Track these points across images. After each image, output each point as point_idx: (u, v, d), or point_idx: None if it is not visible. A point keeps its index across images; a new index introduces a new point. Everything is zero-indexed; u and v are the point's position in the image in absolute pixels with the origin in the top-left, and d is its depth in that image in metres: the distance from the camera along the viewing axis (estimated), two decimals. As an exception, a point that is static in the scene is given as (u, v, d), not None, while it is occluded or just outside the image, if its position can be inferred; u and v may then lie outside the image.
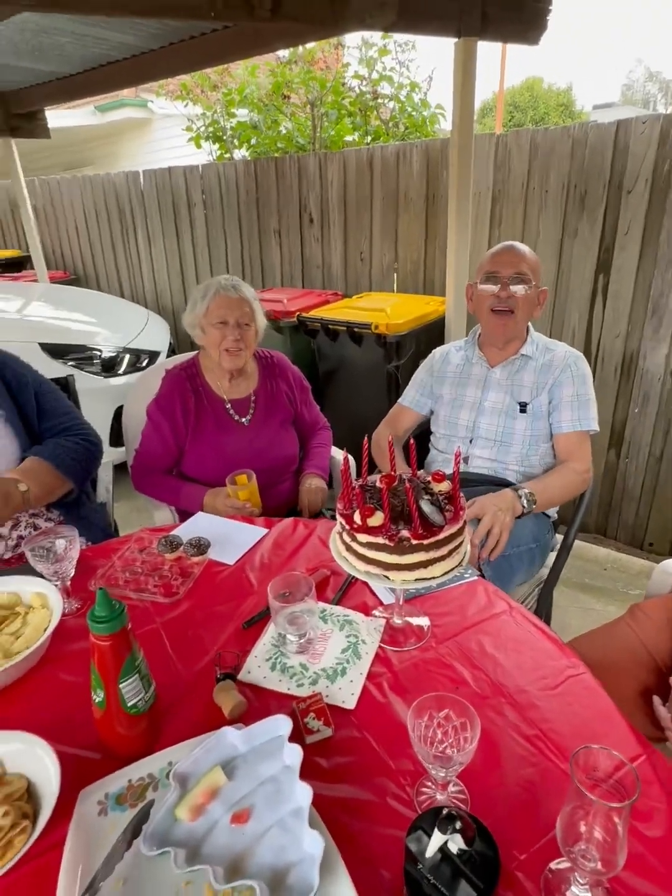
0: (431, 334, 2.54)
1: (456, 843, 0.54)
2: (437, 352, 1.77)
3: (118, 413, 2.56)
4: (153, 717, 0.75)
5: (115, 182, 4.49)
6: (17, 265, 5.26)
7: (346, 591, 1.04)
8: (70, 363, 2.82)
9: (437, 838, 0.54)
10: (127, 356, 3.08)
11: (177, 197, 4.06)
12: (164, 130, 8.24)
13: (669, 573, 1.29)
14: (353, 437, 2.00)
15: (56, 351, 2.83)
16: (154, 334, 3.43)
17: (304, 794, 0.64)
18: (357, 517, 0.79)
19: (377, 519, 0.77)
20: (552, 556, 1.60)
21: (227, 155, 4.21)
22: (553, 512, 1.62)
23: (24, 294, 3.82)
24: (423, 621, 0.95)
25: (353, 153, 3.13)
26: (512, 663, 0.86)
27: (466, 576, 1.08)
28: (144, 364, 3.13)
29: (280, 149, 4.02)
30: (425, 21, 2.01)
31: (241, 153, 4.11)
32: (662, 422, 2.47)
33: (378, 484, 0.85)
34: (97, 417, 2.43)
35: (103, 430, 2.77)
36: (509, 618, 0.97)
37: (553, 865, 0.60)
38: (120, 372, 3.01)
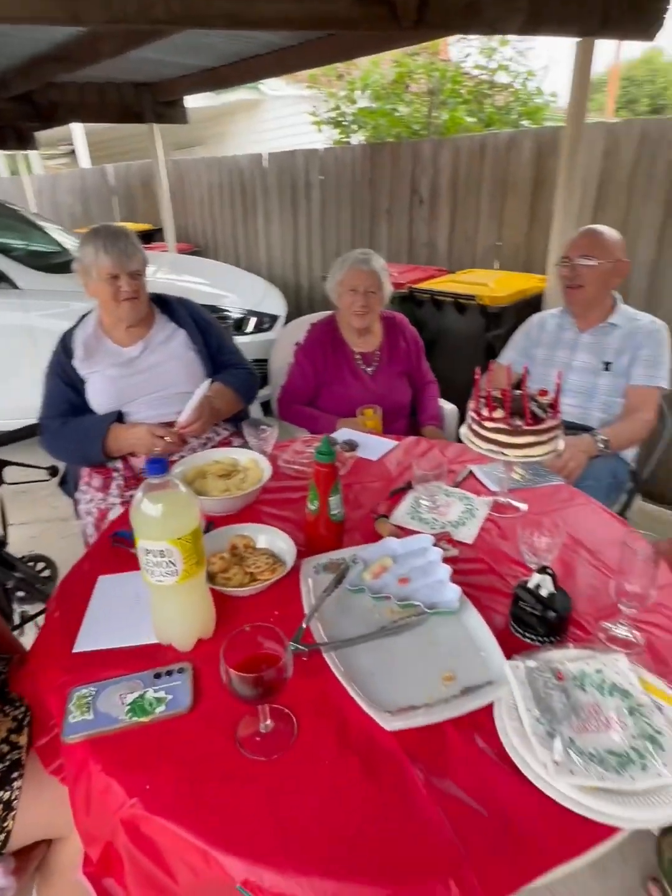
0: (530, 308, 2.80)
1: (546, 587, 0.90)
2: (535, 317, 2.08)
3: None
4: (340, 529, 1.16)
5: (239, 163, 4.97)
6: (147, 237, 5.91)
7: (463, 481, 1.41)
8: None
9: (534, 579, 0.90)
10: (252, 318, 3.55)
11: (296, 177, 4.48)
12: (274, 111, 8.69)
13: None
14: (452, 395, 2.35)
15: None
16: (273, 301, 3.89)
17: (444, 570, 1.02)
18: (486, 411, 1.15)
19: (500, 412, 1.14)
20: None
21: (346, 139, 4.56)
22: (630, 458, 1.90)
23: (156, 261, 4.39)
24: (521, 504, 1.30)
25: (467, 139, 3.40)
26: (587, 529, 1.20)
27: (554, 480, 1.41)
28: (267, 326, 3.59)
29: (396, 134, 4.32)
30: (549, 24, 2.26)
31: (358, 138, 4.45)
32: None
33: (497, 394, 1.21)
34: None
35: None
36: (586, 507, 1.30)
37: (604, 623, 0.95)
38: (247, 331, 3.48)
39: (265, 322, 3.61)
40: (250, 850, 0.65)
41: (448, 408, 2.31)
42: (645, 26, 2.31)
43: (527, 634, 0.92)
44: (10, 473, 1.73)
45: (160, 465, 0.82)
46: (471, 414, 1.20)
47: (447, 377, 3.03)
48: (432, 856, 0.63)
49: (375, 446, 1.60)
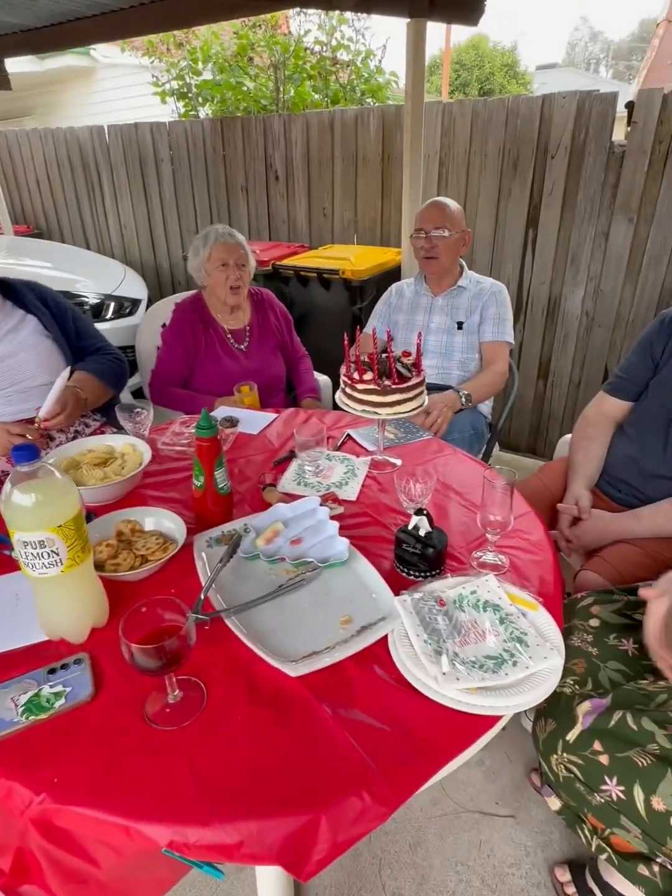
0: (390, 279, 2.94)
1: (423, 527, 1.00)
2: (394, 287, 2.21)
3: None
4: (229, 501, 1.17)
5: (78, 136, 4.58)
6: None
7: (343, 444, 1.48)
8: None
9: (412, 521, 0.99)
10: (111, 303, 3.35)
11: (144, 152, 4.24)
12: (110, 80, 8.09)
13: (566, 444, 1.79)
14: (324, 367, 2.42)
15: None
16: (132, 284, 3.69)
17: (332, 526, 1.08)
18: (356, 375, 1.22)
19: (369, 375, 1.21)
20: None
21: (193, 112, 4.39)
22: (487, 411, 2.10)
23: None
24: (396, 460, 1.40)
25: (316, 115, 3.43)
26: (455, 474, 1.32)
27: (424, 435, 1.53)
28: (128, 311, 3.40)
29: (244, 108, 4.25)
30: (381, 3, 2.35)
31: (204, 111, 4.31)
32: (579, 356, 2.99)
33: (365, 359, 1.28)
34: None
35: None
36: (454, 456, 1.43)
37: (475, 552, 1.07)
38: (107, 317, 3.28)
39: (126, 306, 3.43)
40: (172, 813, 0.67)
41: (323, 380, 2.38)
42: (469, 12, 2.48)
43: (411, 572, 1.01)
44: None
45: (29, 451, 0.78)
46: (343, 379, 1.26)
47: (319, 350, 3.10)
48: (346, 775, 0.69)
49: (255, 420, 1.62)
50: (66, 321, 1.78)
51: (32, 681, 0.82)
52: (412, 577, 1.00)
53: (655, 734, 0.88)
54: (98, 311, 3.26)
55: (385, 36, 4.06)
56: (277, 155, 3.64)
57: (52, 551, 0.80)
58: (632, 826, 0.88)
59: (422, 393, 1.26)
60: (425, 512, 1.00)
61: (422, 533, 0.99)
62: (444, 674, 0.77)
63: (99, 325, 3.20)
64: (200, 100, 4.16)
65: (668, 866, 0.88)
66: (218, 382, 2.02)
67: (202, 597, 0.93)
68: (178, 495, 1.26)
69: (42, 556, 0.80)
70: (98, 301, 3.29)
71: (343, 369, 1.26)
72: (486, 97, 2.89)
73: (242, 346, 2.11)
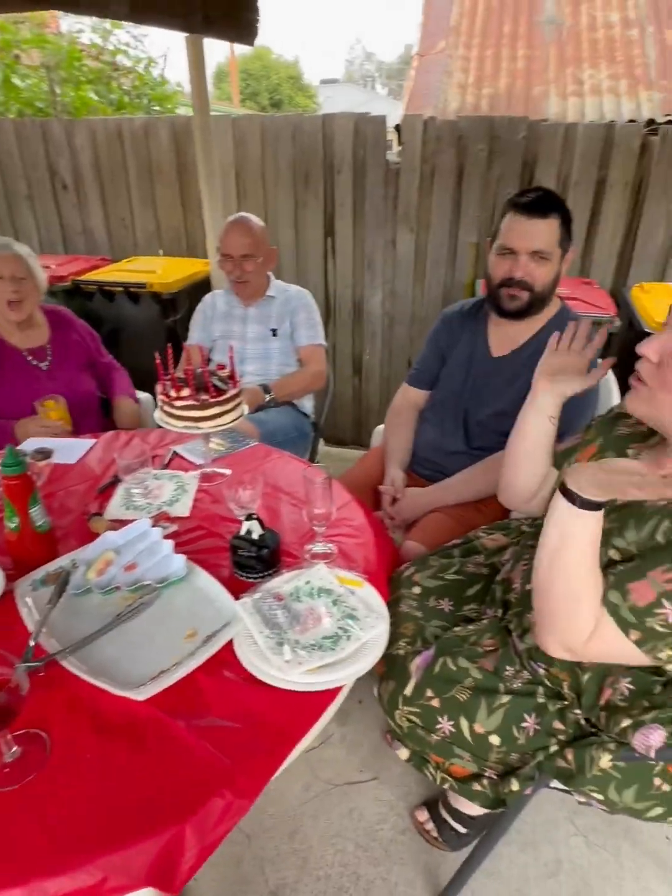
0: (202, 290, 2.95)
1: (255, 530, 1.05)
2: (207, 298, 2.24)
3: None
4: (51, 539, 1.11)
5: None
6: None
7: (169, 462, 1.48)
8: None
9: (244, 526, 1.04)
10: None
11: None
12: None
13: (380, 433, 1.98)
14: (144, 385, 2.35)
15: None
16: None
17: (167, 545, 1.09)
18: (173, 392, 1.23)
19: (186, 391, 1.23)
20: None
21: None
22: (308, 410, 2.23)
23: None
24: (225, 470, 1.44)
25: (101, 123, 3.28)
26: (282, 476, 1.40)
27: (250, 443, 1.59)
28: None
29: (17, 110, 3.89)
30: (156, 15, 2.34)
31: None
32: (386, 352, 3.29)
33: (182, 375, 1.29)
34: None
35: None
36: (280, 459, 1.51)
37: (306, 546, 1.16)
38: None
39: None
40: (24, 873, 0.64)
41: (143, 396, 2.31)
42: (244, 32, 2.58)
43: (249, 575, 1.06)
44: None
45: None
46: (160, 397, 1.26)
47: (134, 367, 2.99)
48: (204, 779, 0.72)
49: (71, 448, 1.53)
50: None
51: None
52: (251, 580, 1.06)
53: (469, 670, 1.05)
54: None
55: (164, 44, 4.01)
56: (62, 162, 3.40)
57: None
58: (463, 752, 1.04)
59: (240, 404, 1.31)
60: (255, 516, 1.06)
61: (255, 536, 1.05)
62: (287, 662, 0.84)
63: None
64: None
65: (493, 777, 1.05)
66: (21, 406, 1.86)
67: (31, 643, 0.88)
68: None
69: None
70: None
71: (158, 387, 1.26)
72: (273, 113, 3.03)
73: (44, 365, 1.96)
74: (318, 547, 1.14)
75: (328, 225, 3.08)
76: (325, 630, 0.92)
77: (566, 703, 1.01)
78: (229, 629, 0.92)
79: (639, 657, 0.86)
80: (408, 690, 1.08)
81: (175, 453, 1.51)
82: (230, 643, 0.91)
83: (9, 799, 0.71)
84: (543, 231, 1.38)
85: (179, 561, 1.05)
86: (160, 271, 2.94)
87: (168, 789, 0.72)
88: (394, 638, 1.16)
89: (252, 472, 1.31)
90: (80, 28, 3.91)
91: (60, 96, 3.68)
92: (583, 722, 1.00)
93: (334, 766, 1.56)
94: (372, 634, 0.90)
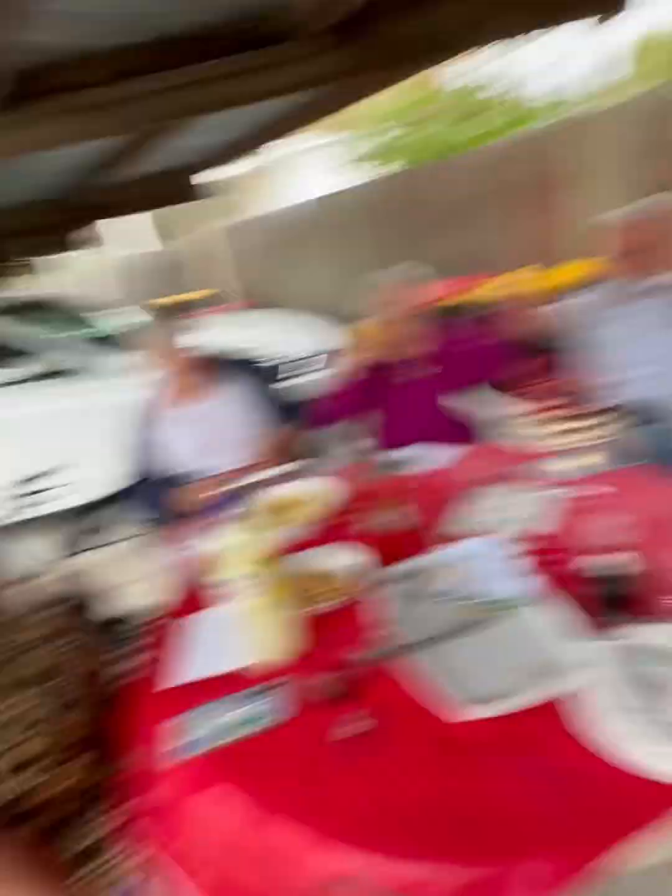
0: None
1: (622, 567, 0.90)
2: (581, 300, 2.05)
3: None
4: (415, 539, 1.20)
5: (282, 218, 5.28)
6: (213, 300, 6.37)
7: (541, 475, 1.42)
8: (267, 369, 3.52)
9: (609, 559, 0.90)
10: (313, 358, 3.73)
11: (344, 216, 4.67)
12: (312, 156, 9.16)
13: None
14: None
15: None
16: (329, 338, 4.03)
17: (518, 565, 1.04)
18: (541, 405, 1.17)
19: (555, 405, 1.15)
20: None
21: (383, 167, 4.73)
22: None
23: (218, 323, 4.71)
24: (603, 488, 1.29)
25: (500, 146, 3.43)
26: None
27: (639, 462, 1.38)
28: (321, 364, 3.75)
29: (435, 152, 4.42)
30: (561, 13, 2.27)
31: (396, 165, 4.60)
32: None
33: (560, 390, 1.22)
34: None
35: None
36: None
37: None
38: (312, 370, 3.66)
39: (318, 358, 3.79)
40: (363, 839, 0.69)
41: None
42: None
43: (606, 615, 0.91)
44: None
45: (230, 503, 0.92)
46: (530, 409, 1.22)
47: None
48: (530, 830, 0.65)
49: (423, 459, 1.64)
50: (267, 389, 2.06)
51: (237, 700, 0.93)
52: (608, 620, 0.91)
53: None
54: (303, 367, 3.64)
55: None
56: (463, 192, 3.70)
57: (250, 585, 0.92)
58: None
59: (608, 424, 1.15)
60: (627, 551, 0.90)
61: (621, 572, 0.90)
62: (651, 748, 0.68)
63: (308, 378, 3.61)
64: (391, 156, 4.45)
65: None
66: (396, 412, 2.07)
67: (384, 633, 0.97)
68: (369, 531, 1.32)
69: (244, 589, 0.93)
70: (304, 356, 3.69)
71: (526, 403, 1.22)
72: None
73: (433, 370, 2.13)
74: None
75: None
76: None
77: None
78: (578, 674, 0.81)
79: None
80: None
81: (547, 466, 1.43)
82: (577, 689, 0.80)
83: (351, 765, 0.79)
84: None
85: (527, 584, 0.99)
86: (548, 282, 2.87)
87: (489, 820, 0.68)
88: None
89: (633, 497, 1.13)
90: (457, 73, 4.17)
91: (459, 136, 4.01)
92: None
93: None
94: None
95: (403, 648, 0.94)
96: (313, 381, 3.49)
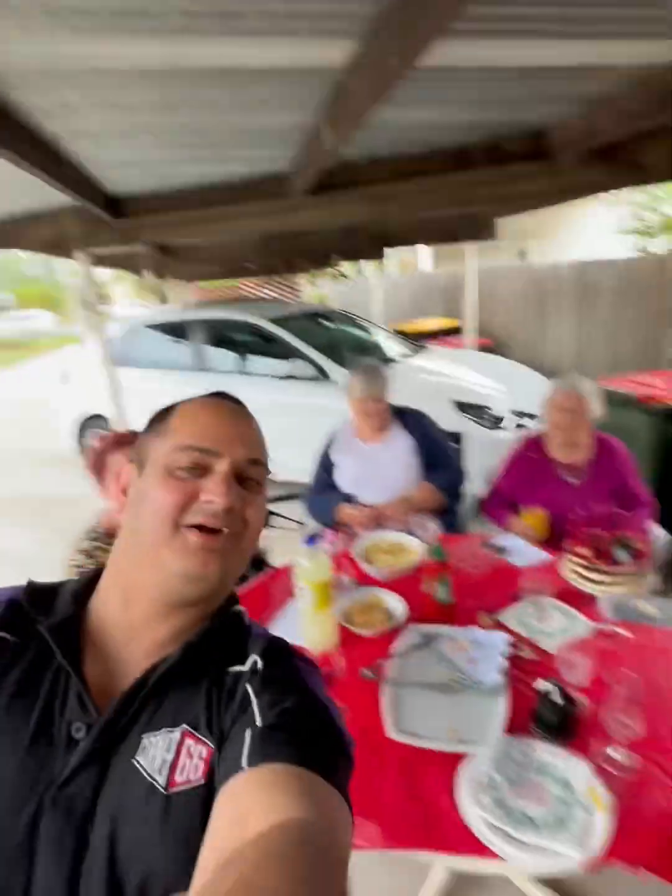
0: None
1: (558, 698, 1.15)
2: None
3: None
4: (448, 610, 1.55)
5: (541, 272, 5.44)
6: (455, 331, 6.83)
7: (583, 605, 1.60)
8: (469, 417, 3.85)
9: (544, 684, 1.16)
10: (513, 416, 3.93)
11: (591, 285, 4.70)
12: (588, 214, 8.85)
13: None
14: None
15: (462, 407, 3.91)
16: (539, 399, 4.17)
17: (501, 663, 1.33)
18: (576, 546, 1.40)
19: (586, 551, 1.37)
20: None
21: (647, 244, 4.59)
22: None
23: (454, 358, 5.14)
24: (625, 632, 1.45)
25: None
26: (664, 673, 1.30)
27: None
28: (526, 423, 3.91)
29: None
30: None
31: (661, 243, 4.44)
32: None
33: (601, 534, 1.42)
34: (478, 462, 3.38)
35: (481, 471, 3.68)
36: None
37: (610, 748, 1.12)
38: (504, 427, 3.88)
39: (524, 419, 3.95)
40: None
41: (661, 534, 2.30)
42: None
43: (537, 729, 1.17)
44: (276, 521, 2.60)
45: (311, 540, 1.42)
46: (568, 545, 1.45)
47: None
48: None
49: (526, 555, 1.87)
50: (430, 444, 2.45)
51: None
52: (535, 733, 1.16)
53: None
54: (497, 422, 3.89)
55: None
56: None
57: (307, 594, 1.42)
58: None
59: (636, 579, 1.31)
60: (556, 684, 1.15)
61: (550, 698, 1.15)
62: (476, 802, 0.99)
63: (495, 434, 3.86)
64: (655, 234, 4.32)
65: None
66: (544, 505, 2.29)
67: (381, 663, 1.37)
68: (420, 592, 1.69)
69: (304, 597, 1.43)
70: (501, 415, 3.92)
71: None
72: None
73: (575, 480, 2.32)
74: (616, 753, 1.09)
75: None
76: (532, 811, 0.98)
77: None
78: (476, 749, 1.12)
79: None
80: None
81: (595, 597, 1.61)
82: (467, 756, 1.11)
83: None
84: None
85: (497, 680, 1.28)
86: None
87: (372, 805, 1.07)
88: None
89: (641, 652, 1.30)
90: None
91: None
92: None
93: None
94: (557, 848, 0.90)
95: (393, 680, 1.33)
96: (515, 438, 3.69)
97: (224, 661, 0.64)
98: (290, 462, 2.88)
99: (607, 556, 1.33)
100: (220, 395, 0.71)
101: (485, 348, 6.02)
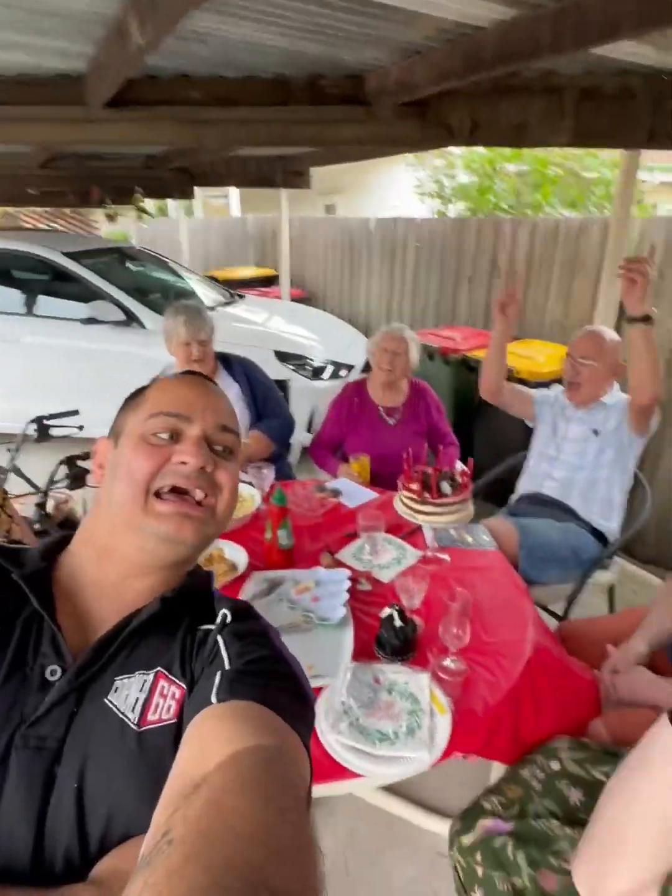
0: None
1: (398, 621, 1.23)
2: (548, 392, 2.33)
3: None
4: (289, 555, 1.56)
5: (352, 225, 5.58)
6: (269, 281, 6.75)
7: (411, 534, 1.74)
8: (290, 367, 3.87)
9: (386, 611, 1.24)
10: (331, 367, 4.05)
11: (396, 241, 4.97)
12: (397, 172, 9.40)
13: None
14: (496, 457, 2.59)
15: (283, 357, 3.91)
16: (356, 351, 4.36)
17: (344, 597, 1.38)
18: (407, 482, 1.50)
19: (415, 486, 1.48)
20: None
21: (445, 209, 5.00)
22: (610, 530, 2.06)
23: (271, 309, 5.09)
24: (445, 556, 1.61)
25: (543, 222, 3.66)
26: (485, 590, 1.48)
27: (487, 547, 1.69)
28: (344, 374, 4.07)
29: (493, 203, 4.67)
30: (596, 139, 2.53)
31: (456, 208, 4.87)
32: None
33: (427, 471, 1.54)
34: (301, 411, 3.43)
35: (304, 420, 3.75)
36: (500, 577, 1.57)
37: (445, 657, 1.25)
38: (324, 378, 3.99)
39: (342, 370, 4.10)
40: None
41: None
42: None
43: (379, 653, 1.25)
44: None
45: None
46: (399, 482, 1.55)
47: (496, 438, 3.29)
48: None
49: (357, 496, 1.97)
50: (258, 392, 2.40)
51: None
52: (380, 657, 1.25)
53: (523, 870, 0.97)
54: (318, 373, 3.98)
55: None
56: (502, 253, 3.94)
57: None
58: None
59: (459, 510, 1.47)
60: (397, 608, 1.24)
61: (393, 623, 1.23)
62: (331, 725, 1.03)
63: (315, 384, 3.95)
64: (453, 199, 4.71)
65: None
66: (364, 449, 2.42)
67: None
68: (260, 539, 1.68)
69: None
70: (320, 364, 4.01)
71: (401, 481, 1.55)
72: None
73: (391, 421, 2.47)
74: (449, 661, 1.22)
75: None
76: (383, 726, 1.05)
77: None
78: (330, 681, 1.16)
79: None
80: (465, 840, 1.07)
81: (419, 528, 1.76)
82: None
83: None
84: None
85: (341, 613, 1.33)
86: (542, 358, 3.12)
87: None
88: (493, 790, 1.16)
89: (460, 572, 1.45)
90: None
91: (524, 197, 4.23)
92: None
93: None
94: (409, 755, 0.99)
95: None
96: (334, 387, 3.80)
97: (196, 620, 0.66)
98: (93, 414, 2.57)
99: (435, 489, 1.45)
100: (193, 373, 0.77)
101: (299, 300, 6.06)
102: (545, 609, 1.98)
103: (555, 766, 1.19)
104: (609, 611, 2.17)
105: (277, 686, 0.58)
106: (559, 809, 1.11)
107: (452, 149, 5.32)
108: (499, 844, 1.02)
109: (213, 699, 0.54)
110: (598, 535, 2.06)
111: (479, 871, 1.02)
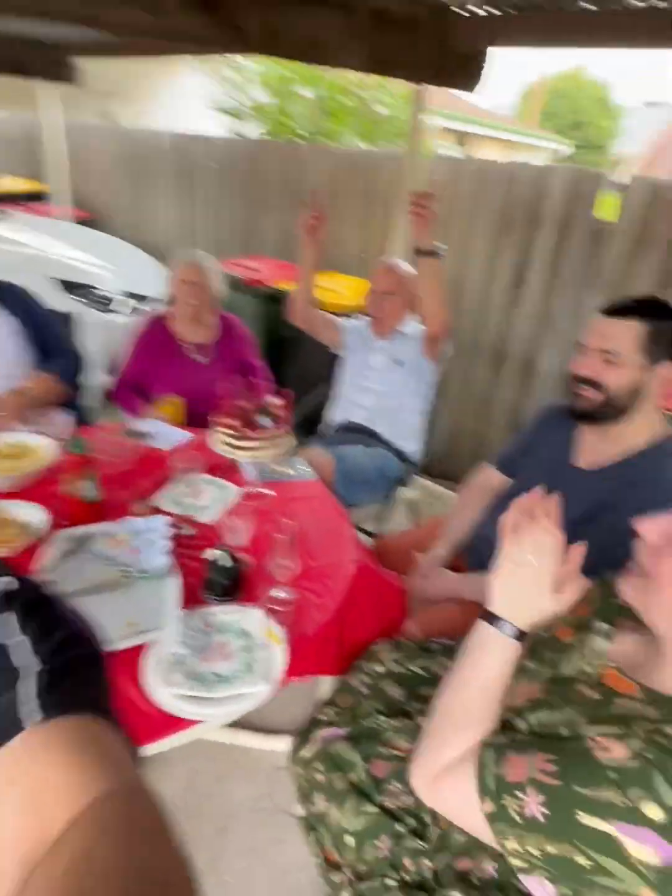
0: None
1: (221, 560, 1.20)
2: (355, 321, 2.41)
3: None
4: (97, 508, 1.40)
5: (141, 138, 4.96)
6: (37, 196, 5.74)
7: (229, 471, 1.69)
8: (73, 297, 3.40)
9: (212, 553, 1.19)
10: (125, 298, 3.66)
11: (193, 161, 4.56)
12: (187, 78, 8.55)
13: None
14: (303, 390, 2.59)
15: (69, 286, 3.42)
16: (153, 281, 3.98)
17: (165, 545, 1.29)
18: (223, 419, 1.43)
19: (231, 420, 1.42)
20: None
21: (241, 128, 4.70)
22: (411, 451, 2.26)
23: (50, 230, 4.35)
24: (270, 492, 1.60)
25: (341, 151, 3.65)
26: (308, 519, 1.51)
27: (308, 477, 1.73)
28: (143, 307, 3.71)
29: (290, 129, 4.51)
30: (387, 68, 2.54)
31: (253, 128, 4.60)
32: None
33: (246, 406, 1.49)
34: (96, 349, 3.05)
35: (103, 360, 3.36)
36: (320, 505, 1.62)
37: (274, 589, 1.26)
38: (115, 309, 3.59)
39: (141, 302, 3.73)
40: None
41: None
42: (469, 80, 2.64)
43: (208, 596, 1.21)
44: None
45: None
46: (211, 420, 1.48)
47: (303, 370, 3.32)
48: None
49: (170, 437, 1.84)
50: (37, 326, 2.05)
51: None
52: (209, 601, 1.21)
53: (356, 766, 1.06)
54: (107, 303, 3.56)
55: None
56: (303, 180, 3.87)
57: None
58: (326, 836, 1.06)
59: (283, 443, 1.45)
60: (225, 548, 1.20)
61: (220, 565, 1.20)
62: (162, 679, 0.98)
63: (109, 317, 3.55)
64: (251, 119, 4.45)
65: (349, 875, 1.05)
66: (171, 390, 2.26)
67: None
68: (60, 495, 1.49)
69: None
70: (112, 295, 3.59)
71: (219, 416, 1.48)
72: (490, 160, 3.04)
73: (203, 359, 2.34)
74: (279, 592, 1.24)
75: (519, 276, 3.00)
76: (220, 667, 1.03)
77: (425, 847, 0.97)
78: (157, 635, 1.09)
79: (483, 831, 0.79)
80: (304, 753, 1.13)
81: (236, 463, 1.72)
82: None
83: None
84: (616, 332, 1.26)
85: (163, 562, 1.25)
86: (346, 292, 3.19)
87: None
88: (327, 702, 1.22)
89: (286, 505, 1.45)
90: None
91: (324, 123, 4.17)
92: (428, 875, 0.94)
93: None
94: (248, 691, 0.99)
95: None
96: (124, 324, 3.44)
97: None
98: None
99: (252, 424, 1.40)
100: None
101: (83, 221, 5.29)
102: (361, 529, 2.13)
103: (378, 668, 1.30)
104: (413, 525, 2.42)
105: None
106: (384, 707, 1.22)
107: (246, 62, 4.96)
108: (334, 750, 1.09)
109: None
110: (401, 457, 2.25)
111: (319, 777, 1.08)
